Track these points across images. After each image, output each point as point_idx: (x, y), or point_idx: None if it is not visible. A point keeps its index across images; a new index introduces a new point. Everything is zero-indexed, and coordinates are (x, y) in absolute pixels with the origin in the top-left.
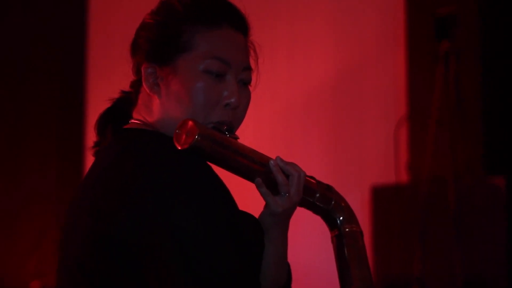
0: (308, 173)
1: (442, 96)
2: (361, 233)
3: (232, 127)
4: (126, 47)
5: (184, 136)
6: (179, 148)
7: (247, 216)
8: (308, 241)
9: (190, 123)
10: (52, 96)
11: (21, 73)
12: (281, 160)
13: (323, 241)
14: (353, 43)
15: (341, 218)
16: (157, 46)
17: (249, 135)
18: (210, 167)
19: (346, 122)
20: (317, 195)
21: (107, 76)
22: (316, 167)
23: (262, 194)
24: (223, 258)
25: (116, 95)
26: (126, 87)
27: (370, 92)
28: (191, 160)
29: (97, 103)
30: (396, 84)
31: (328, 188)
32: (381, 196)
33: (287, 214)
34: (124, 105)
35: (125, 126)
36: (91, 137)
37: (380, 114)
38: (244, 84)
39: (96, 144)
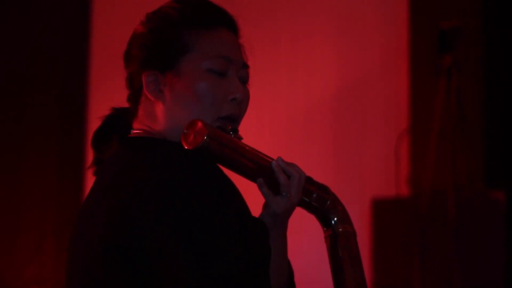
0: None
1: (443, 109)
2: (354, 233)
3: (238, 122)
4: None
5: (192, 137)
6: (187, 147)
7: (255, 220)
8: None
9: (199, 123)
10: (53, 103)
11: (21, 81)
12: (283, 160)
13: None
14: (355, 56)
15: (335, 218)
16: (155, 52)
17: (250, 145)
18: (222, 171)
19: (347, 134)
20: (314, 195)
21: (109, 85)
22: (317, 179)
23: (263, 194)
24: (237, 262)
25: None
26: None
27: (372, 105)
28: (203, 165)
29: (99, 110)
30: (398, 97)
31: (324, 189)
32: (381, 208)
33: (287, 215)
34: (119, 120)
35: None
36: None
37: (382, 127)
38: (243, 82)
39: (95, 163)
